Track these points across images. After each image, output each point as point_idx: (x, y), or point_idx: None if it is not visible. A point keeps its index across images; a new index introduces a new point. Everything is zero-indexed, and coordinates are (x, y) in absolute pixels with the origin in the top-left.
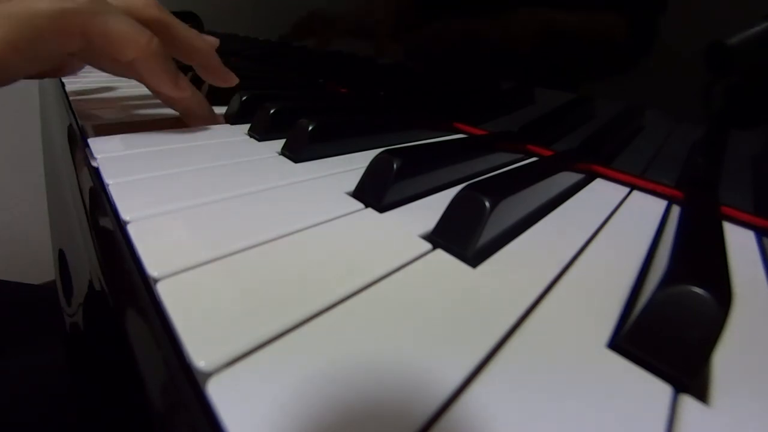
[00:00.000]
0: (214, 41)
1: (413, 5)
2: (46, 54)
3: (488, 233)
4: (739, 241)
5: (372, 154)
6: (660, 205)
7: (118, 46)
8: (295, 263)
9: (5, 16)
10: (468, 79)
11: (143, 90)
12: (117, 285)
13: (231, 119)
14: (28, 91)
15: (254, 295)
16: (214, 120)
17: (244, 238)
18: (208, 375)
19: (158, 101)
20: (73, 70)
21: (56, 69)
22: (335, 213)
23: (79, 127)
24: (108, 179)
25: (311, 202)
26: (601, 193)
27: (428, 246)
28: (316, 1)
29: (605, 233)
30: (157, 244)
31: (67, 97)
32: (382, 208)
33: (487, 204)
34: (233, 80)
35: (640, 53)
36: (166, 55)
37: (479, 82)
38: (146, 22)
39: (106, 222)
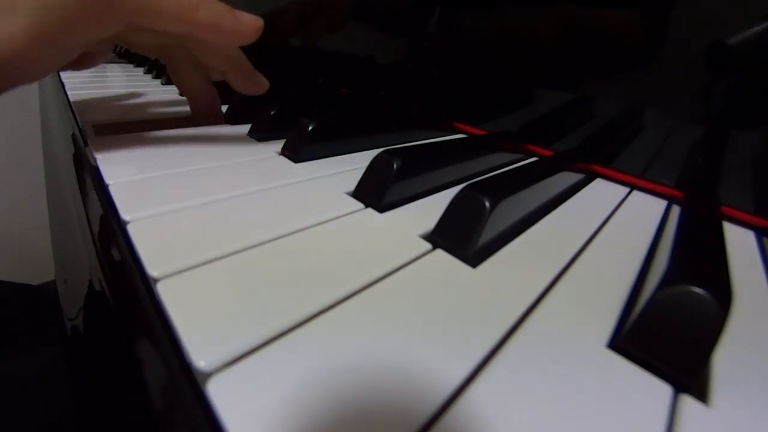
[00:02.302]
0: (255, 22)
1: (413, 5)
2: (78, 44)
3: (488, 233)
4: (739, 241)
5: (372, 154)
6: (660, 205)
7: (164, 20)
8: (294, 263)
9: (25, 1)
10: (468, 79)
11: (143, 90)
12: (117, 285)
13: (231, 119)
14: (27, 91)
15: (254, 295)
16: (220, 121)
17: (243, 238)
18: (208, 375)
19: (158, 100)
20: (95, 62)
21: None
22: (335, 213)
23: (79, 127)
24: (108, 179)
25: (311, 202)
26: (601, 193)
27: (428, 246)
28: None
29: (605, 233)
30: (157, 244)
31: (67, 97)
32: (382, 208)
33: (487, 204)
34: (264, 85)
35: (640, 53)
36: (213, 2)
37: (479, 82)
38: None
39: (105, 222)
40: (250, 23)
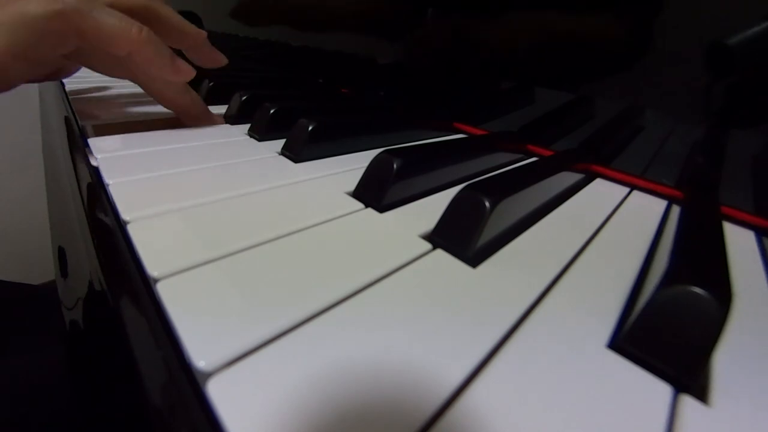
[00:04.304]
0: (202, 32)
1: (414, 5)
2: (43, 56)
3: (488, 233)
4: (739, 241)
5: (372, 154)
6: (660, 205)
7: (112, 41)
8: (294, 263)
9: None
10: (468, 79)
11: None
12: (117, 285)
13: (231, 119)
14: (27, 91)
15: (254, 296)
16: (211, 119)
17: (243, 238)
18: (208, 375)
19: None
20: (68, 73)
21: (52, 72)
22: (335, 213)
23: (79, 127)
24: (108, 179)
25: (311, 203)
26: (601, 193)
27: (428, 246)
28: (316, 2)
29: (605, 233)
30: (157, 244)
31: (68, 97)
32: (382, 208)
33: (487, 204)
34: (222, 60)
35: (640, 53)
36: (159, 41)
37: (479, 82)
38: (133, 12)
39: (106, 222)
40: (183, 69)
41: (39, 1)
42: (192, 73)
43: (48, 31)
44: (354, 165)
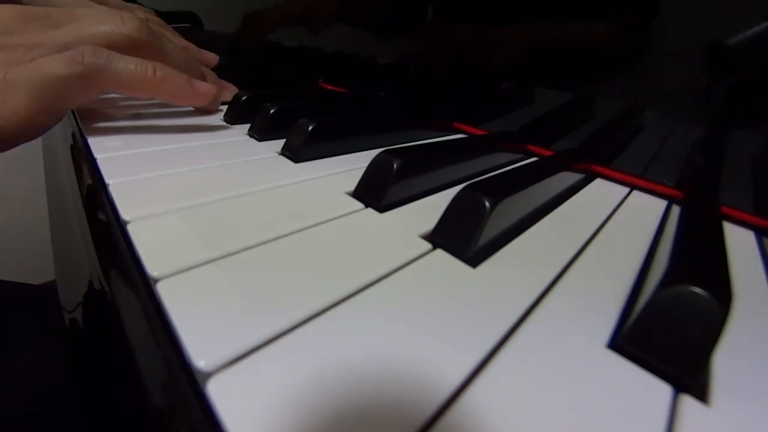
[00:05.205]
0: (212, 58)
1: (414, 6)
2: (69, 108)
3: (488, 233)
4: (739, 241)
5: (372, 154)
6: (660, 205)
7: (133, 88)
8: (294, 264)
9: (23, 84)
10: (468, 79)
11: None
12: (117, 285)
13: (231, 119)
14: None
15: (254, 295)
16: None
17: (244, 238)
18: (208, 375)
19: (159, 101)
20: None
21: None
22: (335, 213)
23: (80, 127)
24: (108, 179)
25: (311, 203)
26: (601, 193)
27: (428, 246)
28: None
29: (605, 233)
30: (157, 244)
31: None
32: (382, 208)
33: (487, 204)
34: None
35: (640, 53)
36: (173, 73)
37: (479, 82)
38: (140, 48)
39: (106, 222)
40: (204, 92)
41: (59, 62)
42: (213, 91)
43: (71, 91)
44: (354, 165)
